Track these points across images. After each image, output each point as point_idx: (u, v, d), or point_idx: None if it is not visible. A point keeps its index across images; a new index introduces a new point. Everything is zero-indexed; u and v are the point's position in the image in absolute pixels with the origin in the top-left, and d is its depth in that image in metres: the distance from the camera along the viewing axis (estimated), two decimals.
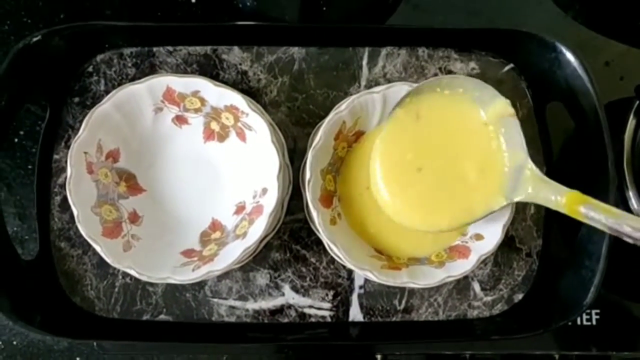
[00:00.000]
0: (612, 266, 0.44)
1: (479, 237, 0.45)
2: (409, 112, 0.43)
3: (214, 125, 0.47)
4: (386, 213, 0.43)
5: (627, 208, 0.49)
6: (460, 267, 0.43)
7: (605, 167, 0.44)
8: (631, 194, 0.49)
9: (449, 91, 0.43)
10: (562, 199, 0.38)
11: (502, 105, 0.42)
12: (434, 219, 0.42)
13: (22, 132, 0.53)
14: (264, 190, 0.44)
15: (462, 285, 0.49)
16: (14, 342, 0.52)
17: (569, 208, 0.38)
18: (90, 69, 0.50)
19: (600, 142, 0.44)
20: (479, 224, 0.44)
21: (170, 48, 0.50)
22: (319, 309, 0.49)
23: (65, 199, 0.44)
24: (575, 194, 0.38)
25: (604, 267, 0.43)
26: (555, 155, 0.50)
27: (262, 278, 0.49)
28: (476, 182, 0.42)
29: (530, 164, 0.40)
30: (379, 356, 0.51)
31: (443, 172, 0.42)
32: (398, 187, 0.43)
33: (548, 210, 0.49)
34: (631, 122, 0.50)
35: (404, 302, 0.49)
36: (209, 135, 0.47)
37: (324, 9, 0.55)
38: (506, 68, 0.50)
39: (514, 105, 0.49)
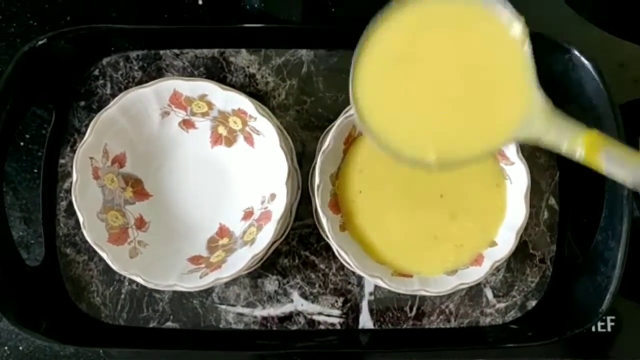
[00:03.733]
0: (627, 272, 0.43)
1: (492, 243, 0.44)
2: (401, 13, 0.35)
3: (222, 130, 0.46)
4: (365, 134, 0.36)
5: None
6: (473, 274, 0.42)
7: None
8: None
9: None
10: (578, 139, 0.32)
11: (517, 29, 0.34)
12: (419, 146, 0.36)
13: (27, 136, 0.52)
14: (273, 196, 0.43)
15: (474, 292, 0.48)
16: (20, 348, 0.52)
17: (587, 152, 0.32)
18: (96, 72, 0.49)
19: None
20: (491, 229, 0.43)
21: (177, 51, 0.49)
22: (328, 315, 0.48)
23: (71, 204, 0.44)
24: (594, 134, 0.32)
25: (620, 273, 0.43)
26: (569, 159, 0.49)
27: (270, 284, 0.48)
28: (481, 106, 0.35)
29: (541, 93, 0.34)
30: None
31: (439, 87, 0.35)
32: (378, 98, 0.36)
33: (562, 215, 0.49)
34: None
35: (415, 309, 0.48)
36: (216, 139, 0.47)
37: (333, 10, 0.54)
38: None
39: None
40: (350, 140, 0.45)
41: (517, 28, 0.34)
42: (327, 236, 0.43)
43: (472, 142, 0.35)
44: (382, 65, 0.36)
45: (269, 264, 0.48)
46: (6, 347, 0.51)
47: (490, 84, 0.35)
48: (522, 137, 0.34)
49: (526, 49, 0.35)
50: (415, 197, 0.44)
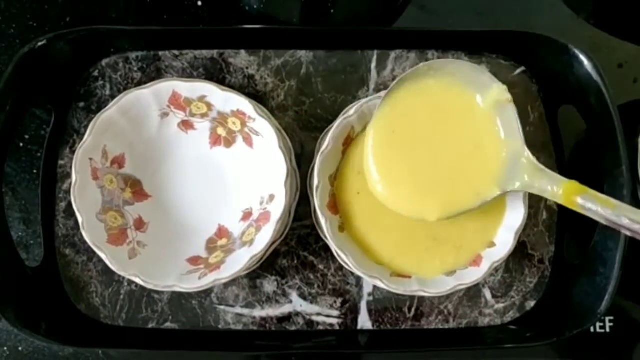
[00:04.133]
0: (626, 272, 0.43)
1: (490, 244, 0.44)
2: (398, 99, 0.42)
3: (221, 131, 0.46)
4: (376, 197, 0.42)
5: None
6: (472, 275, 0.42)
7: (620, 171, 0.43)
8: None
9: (440, 76, 0.42)
10: (558, 188, 0.37)
11: (498, 91, 0.41)
12: (422, 206, 0.41)
13: (27, 136, 0.52)
14: (271, 197, 0.43)
15: (473, 292, 0.48)
16: (20, 348, 0.52)
17: (566, 198, 0.37)
18: (95, 73, 0.49)
19: (614, 145, 0.44)
20: (490, 230, 0.43)
21: (177, 52, 0.49)
22: (327, 316, 0.48)
23: (70, 205, 0.44)
24: (572, 183, 0.37)
25: (618, 274, 0.43)
26: (567, 159, 0.49)
27: (269, 285, 0.48)
28: (469, 170, 0.41)
29: (527, 152, 0.40)
30: None
31: (434, 158, 0.41)
32: (387, 170, 0.41)
33: (561, 216, 0.49)
34: None
35: (413, 309, 0.48)
36: (215, 140, 0.47)
37: (332, 11, 0.54)
38: (518, 71, 0.50)
39: (525, 109, 0.49)
40: (349, 141, 0.45)
41: (503, 93, 0.41)
42: (325, 237, 0.43)
43: (467, 198, 0.41)
44: (382, 141, 0.42)
45: (268, 264, 0.48)
46: (5, 348, 0.52)
47: (480, 148, 0.41)
48: (511, 190, 0.40)
49: (512, 111, 0.40)
50: None
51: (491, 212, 0.44)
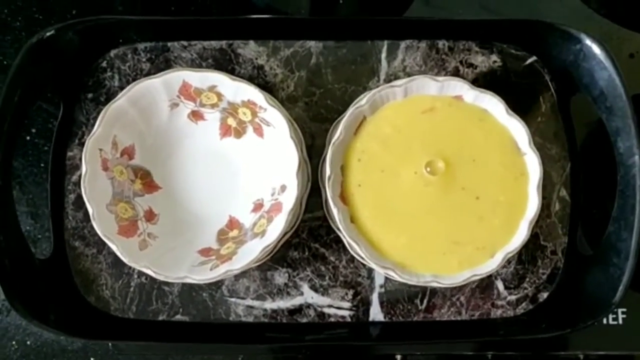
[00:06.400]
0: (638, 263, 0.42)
1: None
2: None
3: (231, 121, 0.46)
4: None
5: None
6: (485, 266, 0.42)
7: (633, 160, 0.43)
8: None
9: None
10: None
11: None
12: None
13: (34, 130, 0.52)
14: (283, 188, 0.43)
15: (485, 284, 0.48)
16: (28, 342, 0.52)
17: None
18: (104, 64, 0.49)
19: (627, 135, 0.43)
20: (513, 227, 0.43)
21: (185, 43, 0.49)
22: (338, 308, 0.48)
23: (79, 197, 0.43)
24: None
25: (633, 264, 0.42)
26: (580, 148, 0.49)
27: (280, 277, 0.48)
28: None
29: None
30: (398, 356, 0.50)
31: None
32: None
33: (573, 207, 0.48)
34: None
35: (425, 301, 0.48)
36: (225, 131, 0.47)
37: (340, 2, 0.54)
38: (529, 60, 0.49)
39: (537, 99, 0.49)
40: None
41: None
42: (338, 228, 0.43)
43: None
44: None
45: (279, 256, 0.48)
46: (14, 342, 0.52)
47: None
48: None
49: None
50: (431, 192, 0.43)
51: (516, 206, 0.43)
